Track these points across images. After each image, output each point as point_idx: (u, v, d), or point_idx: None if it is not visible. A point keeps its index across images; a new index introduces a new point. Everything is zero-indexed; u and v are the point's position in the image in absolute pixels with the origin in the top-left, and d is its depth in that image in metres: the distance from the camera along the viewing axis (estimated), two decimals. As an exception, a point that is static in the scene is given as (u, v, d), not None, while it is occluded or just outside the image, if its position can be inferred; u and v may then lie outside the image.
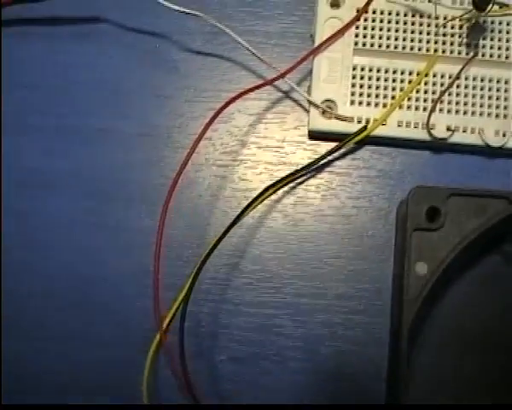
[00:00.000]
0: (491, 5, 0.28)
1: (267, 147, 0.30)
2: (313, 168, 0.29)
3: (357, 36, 0.30)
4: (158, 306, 0.26)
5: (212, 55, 0.31)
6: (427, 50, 0.30)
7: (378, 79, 0.30)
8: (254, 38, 0.31)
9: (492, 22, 0.30)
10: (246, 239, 0.29)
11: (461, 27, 0.30)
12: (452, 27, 0.30)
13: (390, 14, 0.30)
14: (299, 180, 0.29)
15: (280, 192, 0.29)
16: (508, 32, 0.30)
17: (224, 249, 0.28)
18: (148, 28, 0.31)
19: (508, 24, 0.30)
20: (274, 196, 0.28)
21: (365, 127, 0.29)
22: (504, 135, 0.29)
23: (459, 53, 0.30)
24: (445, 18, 0.30)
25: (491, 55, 0.30)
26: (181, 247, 0.29)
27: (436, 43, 0.30)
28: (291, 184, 0.29)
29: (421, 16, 0.30)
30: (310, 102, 0.30)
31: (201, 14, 0.29)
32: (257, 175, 0.29)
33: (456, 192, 0.26)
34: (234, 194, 0.28)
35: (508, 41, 0.30)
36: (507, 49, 0.30)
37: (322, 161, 0.29)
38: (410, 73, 0.30)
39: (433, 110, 0.29)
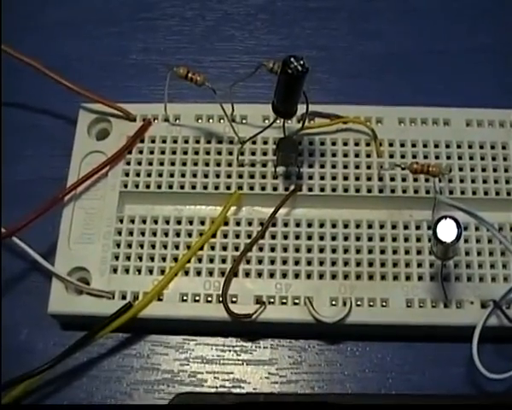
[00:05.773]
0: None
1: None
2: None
3: (127, 174, 0.21)
4: None
5: None
6: (228, 188, 0.21)
7: (154, 234, 0.20)
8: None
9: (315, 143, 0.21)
10: None
11: (276, 153, 0.21)
12: (265, 154, 0.21)
13: (175, 141, 0.21)
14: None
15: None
16: (333, 155, 0.21)
17: None
18: None
19: (334, 143, 0.21)
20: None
21: (130, 305, 0.19)
22: (345, 304, 0.19)
23: (274, 189, 0.21)
24: (253, 143, 0.21)
25: (321, 189, 0.21)
26: None
27: (241, 177, 0.21)
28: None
29: (218, 142, 0.21)
30: (52, 274, 0.20)
31: None
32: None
33: None
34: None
35: (332, 167, 0.21)
36: (345, 178, 0.21)
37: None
38: (202, 223, 0.20)
39: (232, 275, 0.20)
